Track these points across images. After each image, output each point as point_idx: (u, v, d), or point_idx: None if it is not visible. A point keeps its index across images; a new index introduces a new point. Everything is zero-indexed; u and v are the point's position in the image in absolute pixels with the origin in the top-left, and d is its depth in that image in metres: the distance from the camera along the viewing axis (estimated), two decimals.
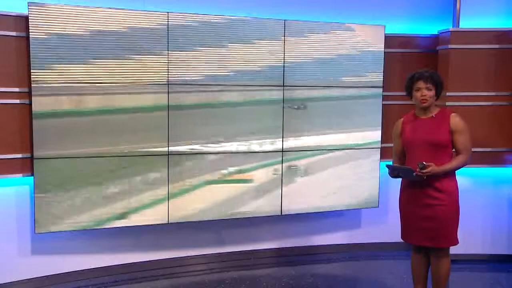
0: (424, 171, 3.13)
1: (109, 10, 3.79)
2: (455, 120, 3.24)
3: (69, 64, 3.71)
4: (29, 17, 3.59)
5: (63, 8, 3.67)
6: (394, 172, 3.30)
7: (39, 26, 3.61)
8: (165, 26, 3.92)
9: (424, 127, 3.27)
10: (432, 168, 3.14)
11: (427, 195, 3.23)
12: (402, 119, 3.45)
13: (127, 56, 3.85)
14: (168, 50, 3.94)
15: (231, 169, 4.24)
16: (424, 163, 3.13)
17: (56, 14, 3.65)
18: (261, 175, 4.32)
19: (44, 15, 3.62)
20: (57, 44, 3.67)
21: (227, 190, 4.24)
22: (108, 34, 3.79)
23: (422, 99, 3.24)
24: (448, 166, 3.21)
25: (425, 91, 3.24)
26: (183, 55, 3.99)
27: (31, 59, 3.62)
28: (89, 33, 3.74)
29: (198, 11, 4.04)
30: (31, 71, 3.64)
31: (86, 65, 3.75)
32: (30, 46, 3.62)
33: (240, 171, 4.27)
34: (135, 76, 3.89)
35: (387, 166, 3.32)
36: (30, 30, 3.60)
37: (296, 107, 4.36)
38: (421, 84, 3.24)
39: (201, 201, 4.17)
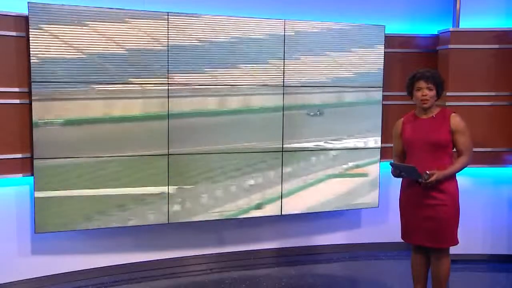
0: (429, 180, 3.12)
1: (109, 10, 3.79)
2: (455, 120, 3.24)
3: (69, 65, 3.70)
4: (29, 17, 3.59)
5: (64, 8, 3.67)
6: (397, 170, 3.27)
7: (39, 26, 3.61)
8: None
9: (425, 127, 3.27)
10: (437, 175, 3.13)
11: (428, 195, 3.22)
12: (402, 119, 3.44)
13: (131, 55, 3.86)
14: None
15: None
16: (427, 172, 3.13)
17: (56, 14, 3.65)
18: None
19: (44, 15, 3.61)
20: (57, 44, 3.67)
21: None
22: (109, 34, 3.79)
23: (423, 99, 3.24)
24: (451, 169, 3.20)
25: (426, 91, 3.23)
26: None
27: (31, 59, 3.62)
28: (89, 33, 3.74)
29: (198, 11, 4.04)
30: (31, 71, 3.63)
31: (87, 65, 3.75)
32: (30, 46, 3.61)
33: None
34: (143, 76, 3.91)
35: (391, 164, 3.31)
36: (30, 30, 3.60)
37: (312, 113, 4.43)
38: (422, 84, 3.24)
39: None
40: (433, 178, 3.12)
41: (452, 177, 3.26)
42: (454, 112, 3.30)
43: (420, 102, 3.26)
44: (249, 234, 4.62)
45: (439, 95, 3.29)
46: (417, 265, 3.47)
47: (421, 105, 3.26)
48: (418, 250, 3.43)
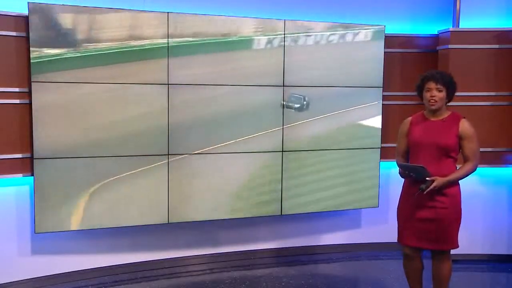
0: (428, 189, 3.09)
1: (108, 10, 3.79)
2: (465, 126, 3.19)
3: (69, 64, 3.70)
4: (29, 17, 3.59)
5: (63, 8, 3.67)
6: (405, 171, 3.22)
7: (39, 26, 3.61)
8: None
9: (433, 130, 3.21)
10: (437, 183, 3.10)
11: (430, 197, 3.17)
12: (410, 118, 3.38)
13: (132, 54, 3.86)
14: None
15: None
16: (427, 178, 3.09)
17: (56, 14, 3.65)
18: None
19: (44, 15, 3.61)
20: (57, 44, 3.66)
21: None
22: (108, 34, 3.78)
23: (431, 100, 3.19)
24: (454, 176, 3.16)
25: (434, 92, 3.18)
26: None
27: (31, 59, 3.62)
28: (89, 32, 3.74)
29: (198, 11, 4.04)
30: (31, 71, 3.63)
31: (86, 65, 3.75)
32: (30, 46, 3.61)
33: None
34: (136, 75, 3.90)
35: (399, 165, 3.28)
36: (30, 30, 3.60)
37: (297, 105, 4.38)
38: (431, 84, 3.19)
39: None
40: (432, 185, 3.09)
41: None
42: (464, 117, 3.25)
43: (428, 103, 3.21)
44: (249, 234, 4.62)
45: (450, 97, 3.24)
46: (413, 271, 3.40)
47: (429, 106, 3.21)
48: (413, 254, 3.35)
